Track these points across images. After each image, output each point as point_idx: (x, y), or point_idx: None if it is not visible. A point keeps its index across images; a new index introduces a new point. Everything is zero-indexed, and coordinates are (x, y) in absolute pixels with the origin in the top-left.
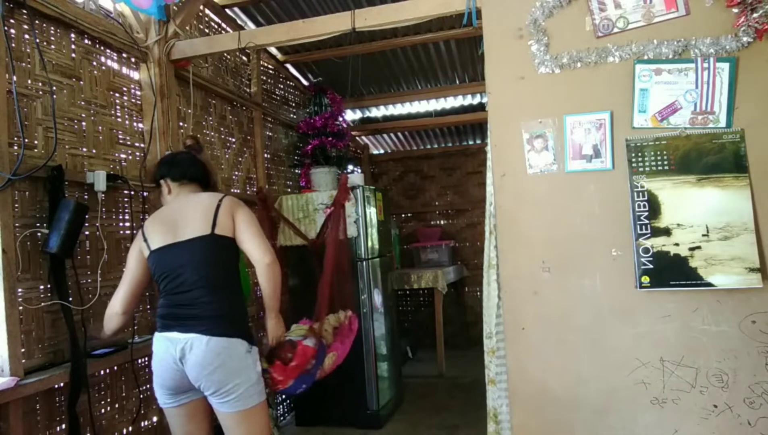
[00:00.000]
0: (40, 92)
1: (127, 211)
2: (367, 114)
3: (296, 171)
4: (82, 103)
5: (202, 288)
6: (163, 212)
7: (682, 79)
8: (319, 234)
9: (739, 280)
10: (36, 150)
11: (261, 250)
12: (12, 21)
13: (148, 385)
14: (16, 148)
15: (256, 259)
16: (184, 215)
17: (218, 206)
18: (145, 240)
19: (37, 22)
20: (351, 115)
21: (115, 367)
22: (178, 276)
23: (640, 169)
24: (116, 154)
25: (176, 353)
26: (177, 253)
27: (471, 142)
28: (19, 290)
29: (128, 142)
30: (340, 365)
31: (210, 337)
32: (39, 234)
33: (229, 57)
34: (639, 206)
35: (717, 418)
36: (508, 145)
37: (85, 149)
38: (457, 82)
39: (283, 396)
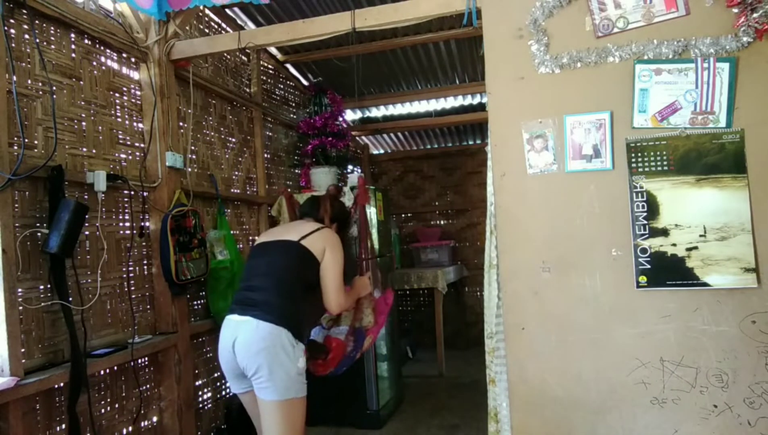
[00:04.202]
0: (40, 92)
1: (127, 211)
2: (367, 114)
3: (296, 171)
4: (82, 103)
5: (268, 278)
6: (278, 226)
7: (682, 79)
8: None
9: (734, 280)
10: (36, 150)
11: (330, 299)
12: (12, 21)
13: (148, 385)
14: (16, 148)
15: (327, 304)
16: (288, 228)
17: (317, 229)
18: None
19: (37, 22)
20: (351, 115)
21: (115, 367)
22: (258, 264)
23: (640, 170)
24: (116, 154)
25: (232, 337)
26: (266, 248)
27: (471, 142)
28: (19, 290)
29: (128, 142)
30: None
31: (259, 322)
32: (39, 234)
33: (229, 57)
34: (638, 207)
35: (717, 418)
36: (508, 145)
37: (85, 149)
38: (457, 82)
39: None
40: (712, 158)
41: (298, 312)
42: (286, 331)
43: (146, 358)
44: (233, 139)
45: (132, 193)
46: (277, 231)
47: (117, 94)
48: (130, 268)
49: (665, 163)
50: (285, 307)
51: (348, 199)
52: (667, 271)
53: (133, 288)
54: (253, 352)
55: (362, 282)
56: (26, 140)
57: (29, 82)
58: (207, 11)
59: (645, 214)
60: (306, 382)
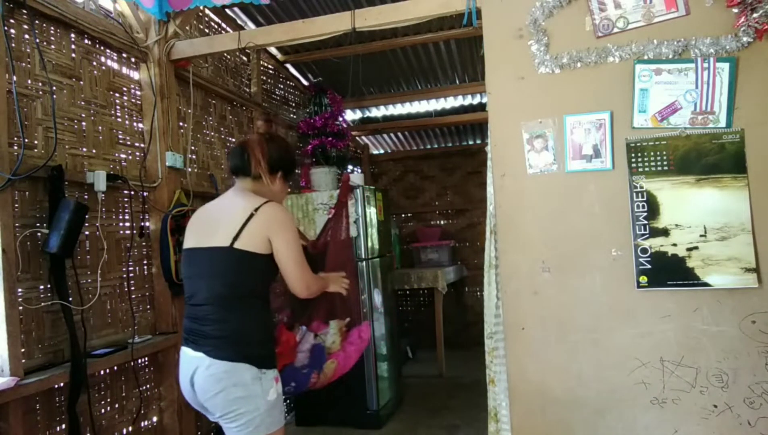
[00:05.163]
0: (40, 92)
1: (127, 211)
2: (367, 114)
3: (296, 171)
4: (82, 103)
5: (212, 305)
6: (209, 207)
7: (682, 79)
8: (320, 235)
9: (734, 280)
10: (36, 150)
11: (294, 284)
12: (12, 21)
13: (148, 385)
14: (16, 148)
15: (292, 289)
16: (218, 217)
17: (250, 217)
18: (185, 234)
19: (37, 22)
20: (351, 115)
21: (115, 367)
22: (194, 285)
23: (640, 170)
24: (116, 154)
25: (189, 373)
26: (197, 260)
27: (471, 142)
28: (19, 290)
29: (128, 142)
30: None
31: (212, 361)
32: (39, 234)
33: (229, 57)
34: (638, 207)
35: (717, 418)
36: (508, 145)
37: (85, 149)
38: (457, 82)
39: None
40: (712, 158)
41: (259, 333)
42: (246, 366)
43: (146, 358)
44: (233, 139)
45: (132, 193)
46: (205, 223)
47: (117, 94)
48: (130, 268)
49: (665, 163)
50: (241, 337)
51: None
52: (668, 271)
53: (133, 288)
54: (211, 395)
55: (332, 277)
56: (26, 140)
57: (29, 82)
58: (207, 11)
59: (645, 214)
60: (282, 409)
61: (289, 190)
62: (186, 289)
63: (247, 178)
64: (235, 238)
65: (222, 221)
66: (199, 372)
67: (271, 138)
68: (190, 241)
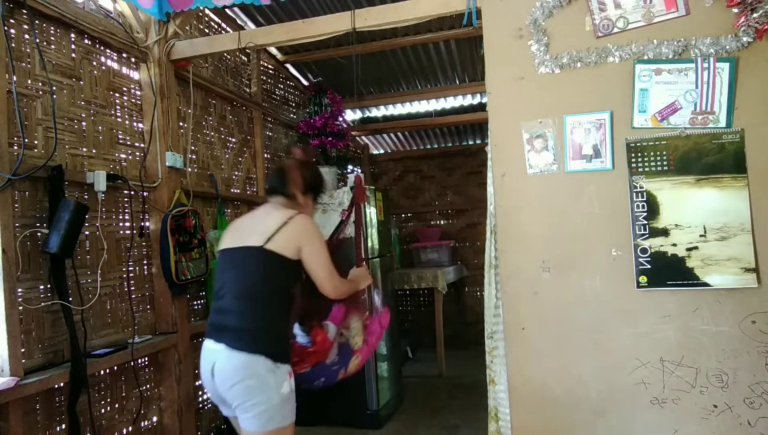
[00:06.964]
0: (40, 92)
1: (127, 211)
2: (367, 114)
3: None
4: (82, 103)
5: (236, 298)
6: (244, 218)
7: (682, 79)
8: (332, 235)
9: (734, 280)
10: (36, 150)
11: (324, 287)
12: (12, 21)
13: (148, 385)
14: (16, 148)
15: (322, 291)
16: (254, 224)
17: (284, 224)
18: (221, 239)
19: (37, 22)
20: (351, 115)
21: (115, 367)
22: (223, 281)
23: (640, 170)
24: (116, 154)
25: (210, 364)
26: (229, 258)
27: (471, 142)
28: (19, 290)
29: (128, 142)
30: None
31: (231, 351)
32: (39, 234)
33: (229, 57)
34: (638, 207)
35: (717, 418)
36: (508, 145)
37: (85, 149)
38: (457, 82)
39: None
40: (712, 158)
41: (277, 329)
42: (262, 359)
43: (146, 358)
44: (233, 139)
45: (132, 193)
46: (241, 229)
47: (117, 94)
48: (130, 268)
49: (665, 163)
50: (259, 331)
51: (346, 199)
52: (668, 271)
53: (133, 288)
54: (228, 386)
55: (360, 272)
56: (26, 140)
57: (29, 82)
58: (207, 11)
59: (645, 214)
60: (294, 406)
61: (315, 208)
62: (216, 284)
63: (282, 197)
64: (267, 241)
65: (257, 227)
66: (218, 363)
67: (306, 164)
68: (225, 243)
